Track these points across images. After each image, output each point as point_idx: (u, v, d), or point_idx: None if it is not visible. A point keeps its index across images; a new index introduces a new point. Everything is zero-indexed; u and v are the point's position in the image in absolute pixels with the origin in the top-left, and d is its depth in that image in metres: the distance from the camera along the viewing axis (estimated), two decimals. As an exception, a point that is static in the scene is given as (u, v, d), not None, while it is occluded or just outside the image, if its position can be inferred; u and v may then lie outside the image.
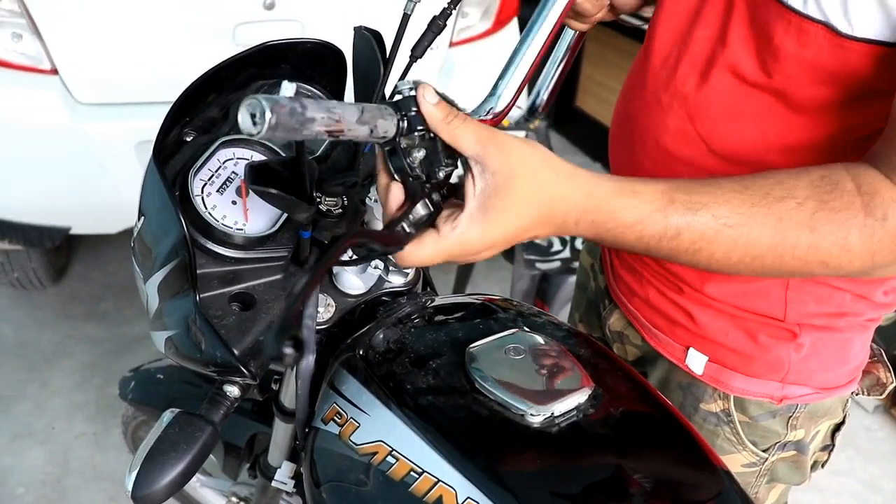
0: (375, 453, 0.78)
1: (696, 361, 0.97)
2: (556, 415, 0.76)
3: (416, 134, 0.65)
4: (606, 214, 0.65)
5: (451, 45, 2.50)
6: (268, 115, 0.52)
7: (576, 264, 2.01)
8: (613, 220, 0.66)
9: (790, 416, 0.96)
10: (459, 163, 0.67)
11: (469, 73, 2.52)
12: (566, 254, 2.05)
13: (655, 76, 0.90)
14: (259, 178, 0.70)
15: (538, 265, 2.00)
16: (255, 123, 0.52)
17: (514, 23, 2.65)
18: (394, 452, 0.77)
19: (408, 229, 0.66)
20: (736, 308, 0.92)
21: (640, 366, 1.07)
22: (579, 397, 0.78)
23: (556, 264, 2.01)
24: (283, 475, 1.11)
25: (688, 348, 0.97)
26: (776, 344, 0.92)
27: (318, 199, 0.88)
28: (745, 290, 0.91)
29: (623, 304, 1.06)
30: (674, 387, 1.02)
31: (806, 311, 0.90)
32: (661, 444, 0.80)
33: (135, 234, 0.94)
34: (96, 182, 2.29)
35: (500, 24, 2.58)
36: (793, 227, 0.66)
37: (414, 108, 0.64)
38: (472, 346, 0.82)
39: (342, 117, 0.58)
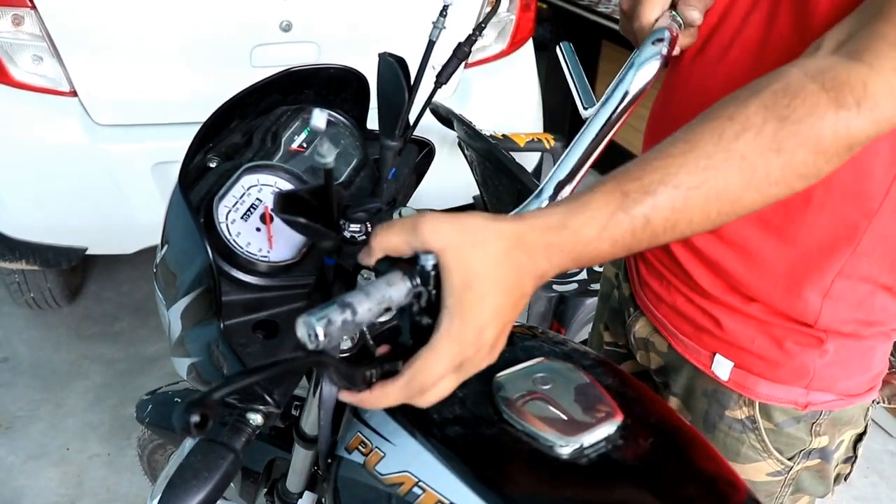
0: (402, 484, 0.77)
1: (722, 367, 0.98)
2: (585, 446, 0.75)
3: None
4: (570, 237, 0.62)
5: (467, 66, 2.51)
6: (320, 335, 0.57)
7: (593, 286, 2.00)
8: (580, 238, 0.62)
9: (814, 423, 0.97)
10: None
11: (484, 95, 2.53)
12: (583, 275, 2.04)
13: (705, 64, 0.90)
14: (287, 207, 0.70)
15: (555, 287, 1.98)
16: (310, 338, 0.57)
17: (530, 44, 2.66)
18: (420, 483, 0.76)
19: (374, 378, 0.65)
20: (765, 310, 0.92)
21: (664, 374, 1.08)
22: (608, 428, 0.76)
23: (574, 286, 2.00)
24: (305, 505, 1.09)
25: (714, 354, 0.98)
26: (802, 351, 0.93)
27: (343, 226, 0.87)
28: (780, 293, 0.91)
29: (650, 310, 1.06)
30: (699, 394, 1.02)
31: (838, 317, 0.91)
32: (692, 475, 0.78)
33: (157, 260, 0.94)
34: (113, 203, 2.31)
35: (515, 45, 2.59)
36: (758, 158, 0.63)
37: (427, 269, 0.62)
38: (498, 375, 0.81)
39: (376, 304, 0.60)
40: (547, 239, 0.62)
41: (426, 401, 0.65)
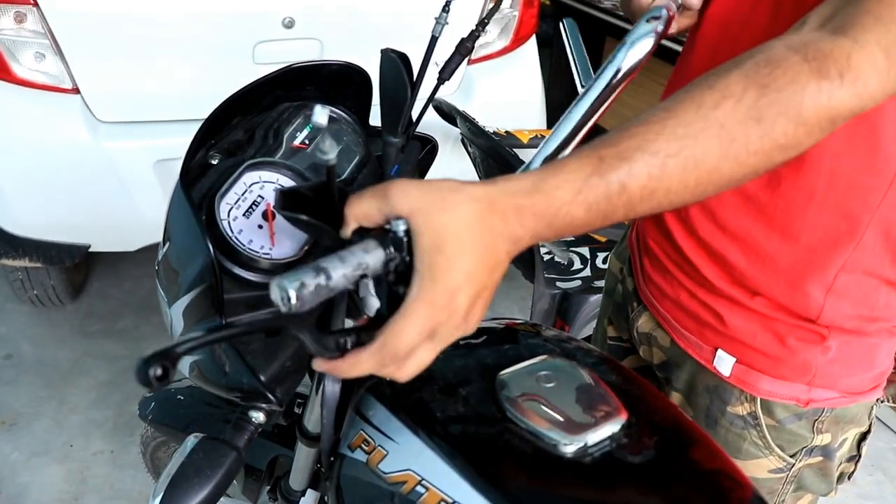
0: (404, 482, 0.77)
1: (724, 363, 0.97)
2: (589, 445, 0.74)
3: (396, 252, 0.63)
4: (544, 200, 0.60)
5: (470, 62, 2.50)
6: (293, 299, 0.57)
7: (597, 283, 2.00)
8: (553, 202, 0.60)
9: (816, 420, 0.97)
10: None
11: (487, 91, 2.52)
12: (587, 272, 2.04)
13: (720, 52, 0.89)
14: (289, 204, 0.69)
15: (559, 284, 1.98)
16: (282, 300, 0.57)
17: (533, 40, 2.64)
18: (423, 482, 0.76)
19: (349, 345, 0.64)
20: (769, 305, 0.92)
21: (666, 370, 1.08)
22: (613, 427, 0.76)
23: (577, 283, 1.99)
24: (308, 504, 1.09)
25: (716, 350, 0.98)
26: (804, 347, 0.93)
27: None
28: (782, 287, 0.91)
29: (653, 305, 1.06)
30: (700, 390, 1.02)
31: (841, 312, 0.91)
32: (697, 474, 0.78)
33: (159, 257, 0.93)
34: (116, 200, 2.30)
35: (518, 41, 2.58)
36: (737, 127, 0.62)
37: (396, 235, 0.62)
38: (502, 373, 0.81)
39: (351, 270, 0.60)
40: (519, 202, 0.60)
41: (403, 372, 0.63)
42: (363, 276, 0.60)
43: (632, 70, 0.81)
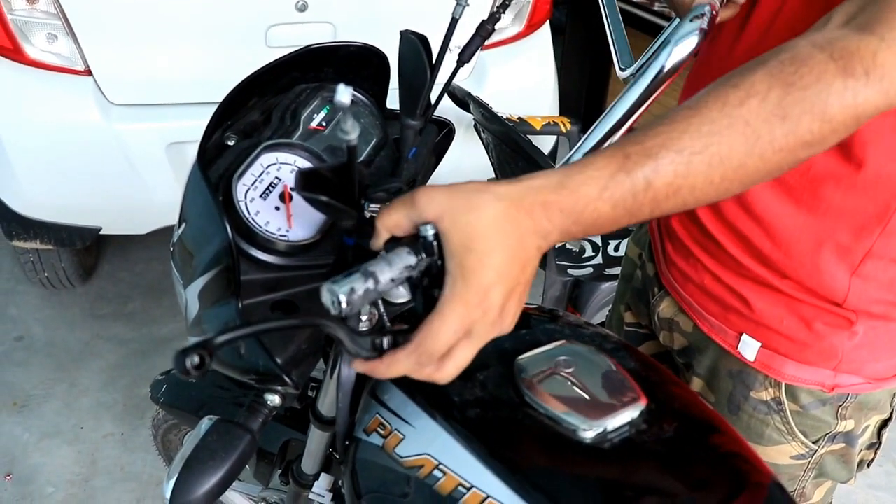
0: (421, 466, 0.77)
1: (749, 348, 0.97)
2: (608, 430, 0.74)
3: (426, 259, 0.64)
4: (570, 196, 0.61)
5: (483, 48, 2.48)
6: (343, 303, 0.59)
7: (608, 271, 1.99)
8: (579, 198, 0.61)
9: (840, 406, 0.97)
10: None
11: (500, 77, 2.51)
12: (598, 260, 2.03)
13: (747, 41, 0.89)
14: (309, 185, 0.69)
15: (570, 271, 1.97)
16: (333, 304, 0.59)
17: (546, 26, 2.62)
18: (441, 466, 0.75)
19: (385, 345, 0.66)
20: (795, 287, 0.91)
21: (687, 355, 1.07)
22: (632, 412, 0.76)
23: (589, 270, 1.98)
24: (321, 488, 1.09)
25: (741, 334, 0.97)
26: (831, 332, 0.92)
27: (363, 205, 0.86)
28: (807, 270, 0.90)
29: (675, 290, 1.05)
30: (723, 375, 1.02)
31: (867, 297, 0.90)
32: (716, 461, 0.77)
33: (175, 239, 0.93)
34: (127, 183, 2.30)
35: (531, 27, 2.56)
36: (762, 124, 0.62)
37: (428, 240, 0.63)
38: (520, 357, 0.80)
39: (398, 273, 0.62)
40: (545, 197, 0.61)
41: (443, 373, 0.64)
42: (408, 278, 0.62)
43: (675, 69, 0.81)
